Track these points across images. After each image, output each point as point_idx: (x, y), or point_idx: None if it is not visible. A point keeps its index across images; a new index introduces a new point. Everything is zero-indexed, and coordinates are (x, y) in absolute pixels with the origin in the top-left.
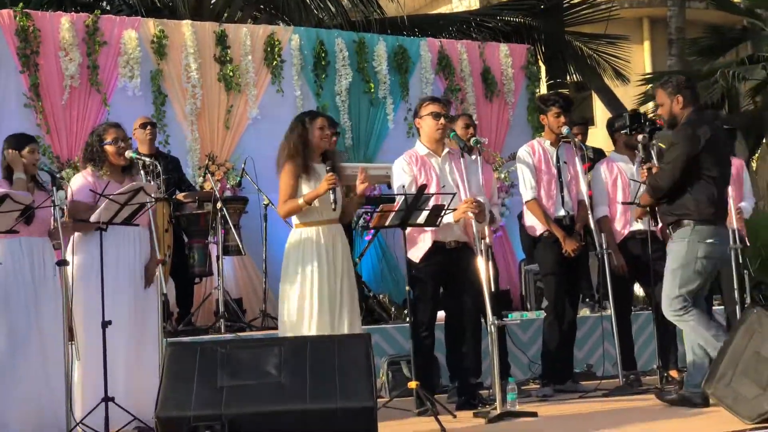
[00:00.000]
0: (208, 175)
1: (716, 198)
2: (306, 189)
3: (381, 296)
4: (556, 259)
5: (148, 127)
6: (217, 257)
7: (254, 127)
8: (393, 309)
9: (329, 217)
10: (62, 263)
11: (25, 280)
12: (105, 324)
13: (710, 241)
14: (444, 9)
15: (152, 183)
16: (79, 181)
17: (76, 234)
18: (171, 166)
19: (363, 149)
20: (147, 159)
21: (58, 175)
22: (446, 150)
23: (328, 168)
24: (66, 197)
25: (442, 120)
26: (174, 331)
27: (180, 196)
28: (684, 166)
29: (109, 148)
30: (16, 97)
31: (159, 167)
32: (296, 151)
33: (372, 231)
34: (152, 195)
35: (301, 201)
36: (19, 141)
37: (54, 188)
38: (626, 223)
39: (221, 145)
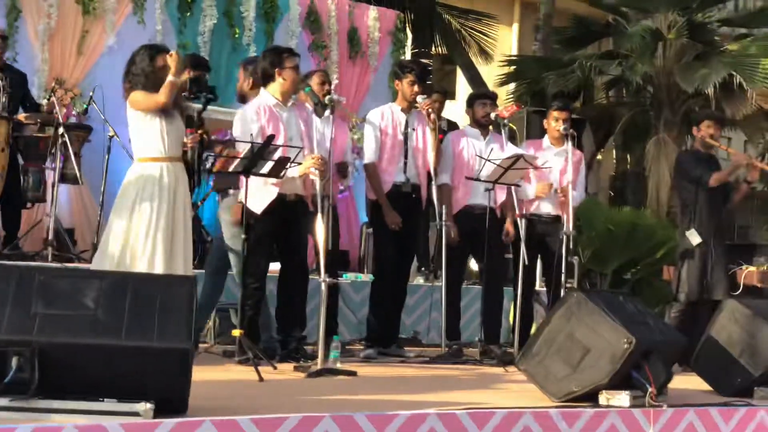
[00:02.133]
0: (53, 98)
1: None
2: (157, 124)
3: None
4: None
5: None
6: (53, 184)
7: (109, 56)
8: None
9: (174, 154)
10: None
11: None
12: None
13: None
14: None
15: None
16: None
17: None
18: (16, 81)
19: (220, 93)
20: None
21: None
22: (291, 102)
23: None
24: None
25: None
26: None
27: (21, 116)
28: None
29: None
30: None
31: (4, 83)
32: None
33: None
34: None
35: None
36: None
37: None
38: (466, 195)
39: (71, 70)
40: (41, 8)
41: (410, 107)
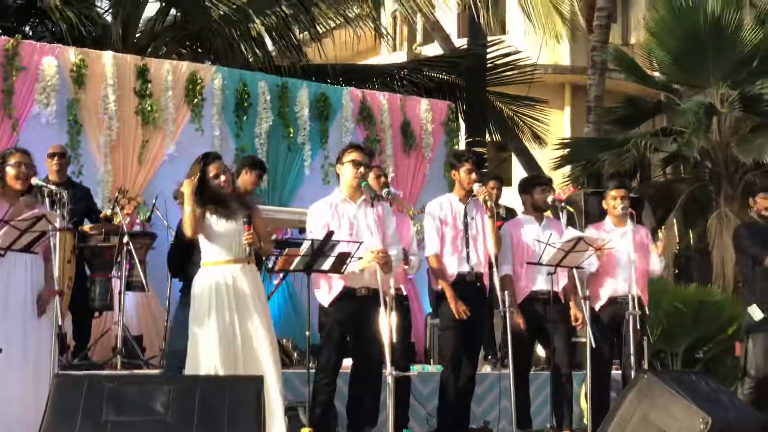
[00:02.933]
0: (117, 208)
1: None
2: (215, 225)
3: (284, 340)
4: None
5: (56, 157)
6: (120, 292)
7: (170, 164)
8: (296, 354)
9: (239, 256)
10: None
11: None
12: None
13: None
14: (373, 60)
15: (57, 211)
16: None
17: None
18: (80, 195)
19: (278, 193)
20: (53, 187)
21: None
22: (362, 197)
23: (244, 219)
24: None
25: (361, 169)
26: (68, 365)
27: (86, 227)
28: None
29: (10, 170)
30: None
31: (65, 196)
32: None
33: (281, 274)
34: (54, 223)
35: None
36: None
37: None
38: (528, 283)
39: (134, 180)
40: (101, 121)
41: (467, 196)
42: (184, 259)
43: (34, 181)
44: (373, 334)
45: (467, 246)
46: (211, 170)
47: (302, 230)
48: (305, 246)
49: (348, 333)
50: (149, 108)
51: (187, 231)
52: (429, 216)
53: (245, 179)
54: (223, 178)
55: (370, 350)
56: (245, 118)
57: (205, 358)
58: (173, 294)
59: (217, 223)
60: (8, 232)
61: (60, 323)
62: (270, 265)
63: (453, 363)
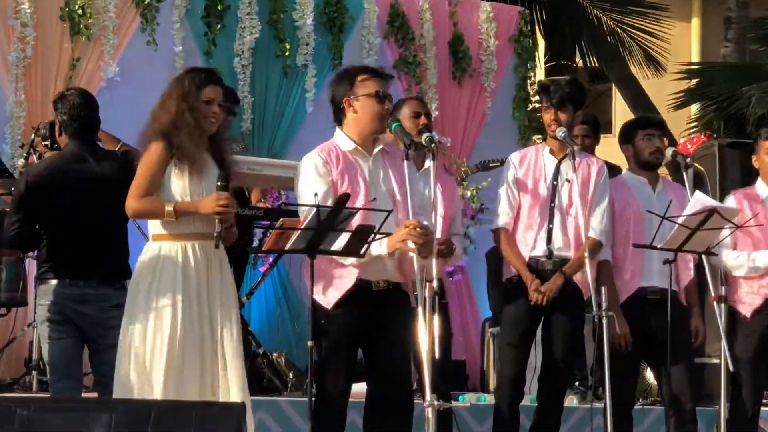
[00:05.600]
0: (34, 156)
1: None
2: (179, 185)
3: (275, 355)
4: (524, 319)
5: None
6: (37, 279)
7: (110, 92)
8: (291, 375)
9: (206, 230)
10: None
11: None
12: None
13: None
14: None
15: None
16: None
17: None
18: None
19: (268, 138)
20: None
21: None
22: (379, 147)
23: (219, 182)
24: None
25: (387, 104)
26: None
27: None
28: None
29: None
30: None
31: None
32: (173, 127)
33: (270, 258)
34: None
35: (169, 207)
36: None
37: None
38: (635, 275)
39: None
40: (10, 29)
41: (563, 148)
42: None
43: None
44: (398, 345)
45: (550, 220)
46: (206, 95)
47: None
48: (306, 215)
49: (360, 346)
50: (80, 11)
51: (134, 213)
52: (504, 174)
53: None
54: (214, 110)
55: (393, 369)
56: (220, 27)
57: (158, 370)
58: None
59: (182, 178)
60: None
61: None
62: (255, 244)
63: (512, 392)
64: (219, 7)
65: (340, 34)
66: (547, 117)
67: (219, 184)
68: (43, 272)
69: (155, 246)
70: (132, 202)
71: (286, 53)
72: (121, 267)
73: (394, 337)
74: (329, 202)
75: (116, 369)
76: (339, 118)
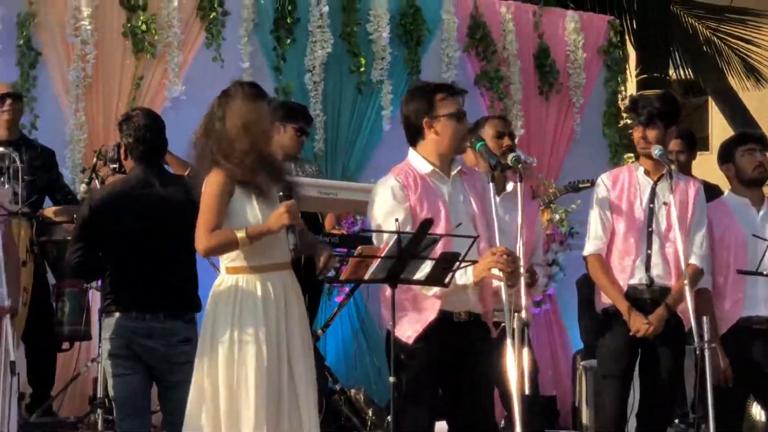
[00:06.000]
0: (96, 181)
1: None
2: (249, 212)
3: (353, 392)
4: (624, 352)
5: (8, 100)
6: (101, 312)
7: (174, 112)
8: (370, 412)
9: (281, 260)
10: None
11: None
12: None
13: None
14: None
15: (6, 186)
16: None
17: None
18: (39, 162)
19: (342, 160)
20: (1, 148)
21: None
22: (457, 167)
23: (281, 193)
24: None
25: (466, 122)
26: (24, 424)
27: (50, 211)
28: None
29: None
30: None
31: (18, 162)
32: (231, 152)
33: (346, 288)
34: (4, 205)
35: (241, 234)
36: None
37: None
38: (737, 303)
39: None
40: (70, 47)
41: (659, 168)
42: None
43: None
44: (480, 380)
45: (648, 245)
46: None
47: None
48: (387, 242)
49: (442, 381)
50: (143, 27)
51: (207, 250)
52: (595, 197)
53: (279, 139)
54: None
55: (475, 405)
56: (290, 41)
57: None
58: None
59: (252, 206)
60: None
61: (12, 358)
62: (331, 274)
63: (618, 427)
64: (288, 21)
65: (417, 48)
66: (636, 134)
67: (281, 194)
68: (108, 304)
69: (231, 279)
70: (202, 241)
71: (361, 68)
72: (189, 299)
73: (476, 372)
74: (408, 229)
75: (188, 408)
76: (414, 138)
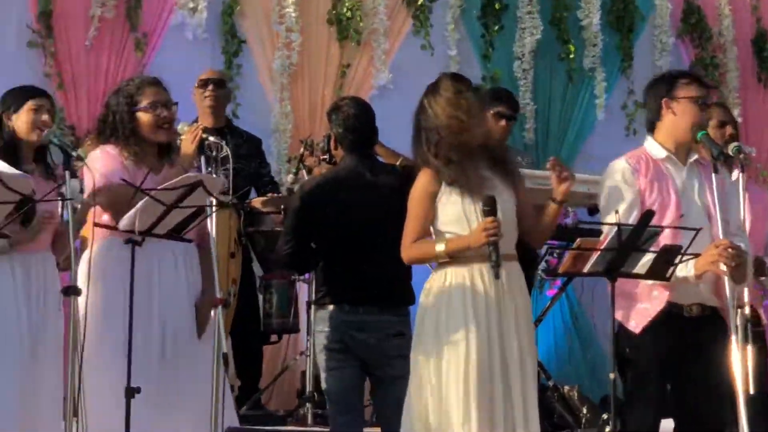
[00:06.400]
0: (302, 170)
1: None
2: (454, 212)
3: (567, 389)
4: None
5: (210, 87)
6: (309, 304)
7: (381, 102)
8: (585, 410)
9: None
10: (71, 291)
11: (13, 319)
12: (130, 392)
13: None
14: None
15: (218, 176)
16: (105, 159)
17: (91, 247)
18: (245, 150)
19: (553, 150)
20: (212, 137)
21: (75, 153)
22: (694, 157)
23: (484, 207)
24: (81, 187)
25: (707, 113)
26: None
27: (257, 201)
28: None
29: (144, 117)
30: (17, 30)
31: (227, 150)
32: (439, 149)
33: (558, 281)
34: (216, 195)
35: (440, 249)
36: (17, 97)
37: (66, 173)
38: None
39: (327, 126)
40: (275, 35)
41: None
42: None
43: (181, 126)
44: (712, 379)
45: None
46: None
47: (593, 209)
48: (606, 234)
49: (669, 377)
50: (348, 13)
51: (409, 261)
52: None
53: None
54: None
55: (709, 404)
56: (498, 27)
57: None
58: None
59: (458, 206)
60: (147, 208)
61: (225, 350)
62: (544, 267)
63: None
64: (497, 6)
65: (630, 34)
66: None
67: (484, 209)
68: (321, 297)
69: (441, 272)
70: (405, 250)
71: (571, 55)
72: (403, 291)
73: (708, 369)
74: (635, 213)
75: (407, 403)
76: (652, 123)
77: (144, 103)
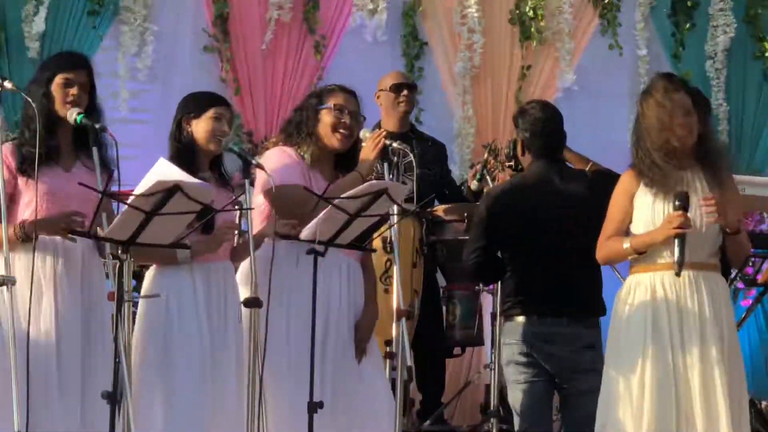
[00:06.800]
0: (487, 177)
1: None
2: (647, 213)
3: (764, 404)
4: None
5: (404, 90)
6: (494, 316)
7: (566, 103)
8: None
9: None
10: (253, 304)
11: (195, 331)
12: (313, 407)
13: None
14: None
15: (404, 183)
16: (284, 159)
17: (262, 253)
18: (430, 156)
19: (747, 153)
20: (397, 144)
21: (254, 161)
22: None
23: (676, 202)
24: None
25: None
26: (415, 431)
27: (440, 209)
28: None
29: (327, 117)
30: (192, 34)
31: (411, 156)
32: (644, 150)
33: (753, 291)
34: (400, 203)
35: (626, 245)
36: (199, 103)
37: (246, 182)
38: None
39: (507, 130)
40: (456, 36)
41: None
42: None
43: (363, 132)
44: None
45: None
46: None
47: None
48: None
49: None
50: (530, 13)
51: (602, 260)
52: None
53: None
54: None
55: None
56: (689, 26)
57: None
58: None
59: (648, 200)
60: (329, 218)
61: (409, 363)
62: (744, 272)
63: None
64: (688, 4)
65: None
66: None
67: (676, 203)
68: (509, 308)
69: (629, 280)
70: (598, 250)
71: (766, 53)
72: (593, 302)
73: None
74: None
75: (599, 418)
76: None
77: (330, 102)
